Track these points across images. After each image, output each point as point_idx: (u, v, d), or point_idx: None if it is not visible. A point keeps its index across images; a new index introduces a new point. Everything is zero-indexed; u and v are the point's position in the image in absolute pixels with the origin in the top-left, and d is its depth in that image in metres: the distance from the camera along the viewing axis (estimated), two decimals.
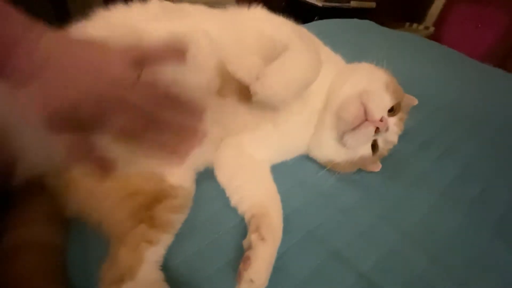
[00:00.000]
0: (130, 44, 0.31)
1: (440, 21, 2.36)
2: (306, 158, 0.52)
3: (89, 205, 0.36)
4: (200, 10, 0.48)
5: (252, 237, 0.37)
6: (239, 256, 0.36)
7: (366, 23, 1.16)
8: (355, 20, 1.17)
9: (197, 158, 0.44)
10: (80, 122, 0.28)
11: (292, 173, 0.49)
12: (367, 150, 0.46)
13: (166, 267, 0.35)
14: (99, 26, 0.42)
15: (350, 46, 0.77)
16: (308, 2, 1.95)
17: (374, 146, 0.47)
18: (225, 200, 0.43)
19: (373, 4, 2.12)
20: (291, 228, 0.41)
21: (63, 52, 0.28)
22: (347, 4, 2.02)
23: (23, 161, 0.35)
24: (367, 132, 0.44)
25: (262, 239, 0.36)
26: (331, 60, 0.52)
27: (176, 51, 0.33)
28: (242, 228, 0.40)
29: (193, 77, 0.39)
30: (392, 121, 0.46)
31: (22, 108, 0.29)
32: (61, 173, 0.36)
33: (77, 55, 0.28)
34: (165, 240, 0.36)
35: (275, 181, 0.46)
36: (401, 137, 0.51)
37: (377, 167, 0.51)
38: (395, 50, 0.94)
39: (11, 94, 0.29)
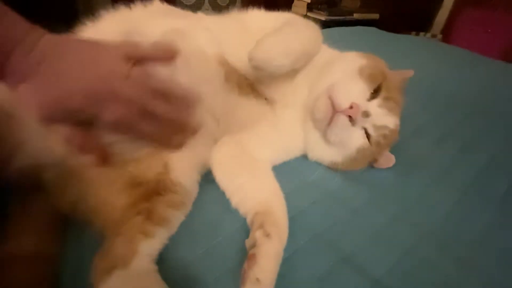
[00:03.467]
0: (122, 42, 0.34)
1: (447, 28, 2.35)
2: (310, 161, 0.49)
3: (89, 194, 0.35)
4: (200, 14, 0.51)
5: (257, 234, 0.34)
6: (239, 264, 0.33)
7: (370, 30, 1.16)
8: (359, 27, 1.17)
9: (198, 156, 0.42)
10: (76, 114, 0.30)
11: (297, 173, 0.46)
12: (359, 140, 0.43)
13: (163, 275, 0.32)
14: (103, 26, 0.44)
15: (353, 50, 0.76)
16: (311, 17, 1.99)
17: (367, 135, 0.43)
18: (225, 204, 0.41)
19: (376, 16, 2.14)
20: (296, 230, 0.37)
21: (58, 52, 0.30)
22: (350, 17, 2.05)
23: (21, 150, 0.35)
24: (342, 123, 0.41)
25: (268, 235, 0.33)
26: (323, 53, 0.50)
27: (165, 51, 0.35)
28: (242, 233, 0.37)
29: (192, 70, 0.40)
30: (374, 103, 0.43)
31: (20, 103, 0.31)
32: (61, 164, 0.36)
33: (72, 54, 0.30)
34: (161, 234, 0.35)
35: (279, 182, 0.43)
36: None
37: (390, 161, 0.46)
38: (402, 51, 0.92)
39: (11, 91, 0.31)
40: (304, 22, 0.46)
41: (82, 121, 0.31)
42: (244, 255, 0.35)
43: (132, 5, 0.48)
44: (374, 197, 0.43)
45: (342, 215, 0.40)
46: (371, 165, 0.48)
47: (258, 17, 0.48)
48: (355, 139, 0.43)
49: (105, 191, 0.36)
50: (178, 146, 0.34)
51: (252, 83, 0.45)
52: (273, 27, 0.42)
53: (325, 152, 0.46)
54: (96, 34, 0.41)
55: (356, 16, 2.07)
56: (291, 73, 0.45)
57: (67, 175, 0.36)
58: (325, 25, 1.93)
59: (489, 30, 2.08)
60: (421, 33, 2.36)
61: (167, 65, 0.35)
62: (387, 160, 0.46)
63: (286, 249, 0.35)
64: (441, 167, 0.49)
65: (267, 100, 0.46)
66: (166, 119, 0.33)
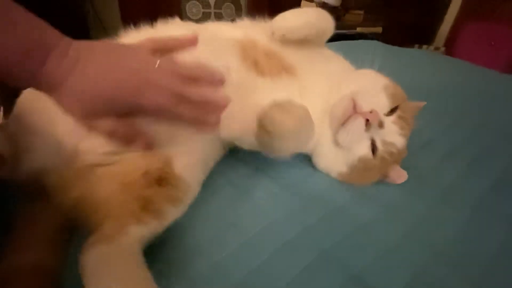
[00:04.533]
0: (145, 39, 0.37)
1: (450, 41, 2.37)
2: (318, 172, 0.49)
3: (92, 192, 0.36)
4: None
5: None
6: (243, 280, 0.32)
7: (373, 43, 1.17)
8: (362, 41, 1.18)
9: (204, 152, 0.43)
10: (118, 106, 0.32)
11: (304, 188, 0.45)
12: (364, 149, 0.44)
13: None
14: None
15: (357, 64, 0.76)
16: None
17: (374, 148, 0.44)
18: (229, 218, 0.40)
19: (379, 29, 2.16)
20: (303, 247, 0.36)
21: (89, 54, 0.32)
22: (353, 30, 2.08)
23: (31, 152, 0.37)
24: (357, 125, 0.43)
25: None
26: (341, 60, 0.54)
27: (186, 38, 0.39)
28: (247, 249, 0.36)
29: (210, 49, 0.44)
30: (390, 119, 0.44)
31: (61, 108, 0.33)
32: (66, 165, 0.37)
33: (102, 55, 0.33)
34: (153, 225, 0.35)
35: (285, 198, 0.43)
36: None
37: (402, 177, 0.46)
38: (406, 65, 0.92)
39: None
40: (319, 9, 0.52)
41: (122, 114, 0.33)
42: (249, 272, 0.33)
43: (153, 23, 0.49)
44: (382, 214, 0.42)
45: (350, 232, 0.39)
46: (382, 180, 0.47)
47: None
48: (361, 147, 0.44)
49: (108, 188, 0.36)
50: (215, 123, 0.36)
51: (272, 52, 0.47)
52: None
53: (330, 158, 0.47)
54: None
55: (359, 29, 2.09)
56: (307, 45, 0.48)
57: (71, 176, 0.37)
58: (328, 38, 1.96)
59: (493, 43, 2.09)
60: (424, 46, 2.38)
61: (190, 50, 0.39)
62: (399, 175, 0.46)
63: (292, 267, 0.34)
64: (450, 183, 0.48)
65: (286, 70, 0.48)
66: (199, 101, 0.35)
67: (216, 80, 0.37)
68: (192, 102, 0.34)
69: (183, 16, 1.88)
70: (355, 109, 0.43)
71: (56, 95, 0.31)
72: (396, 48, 1.16)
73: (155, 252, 0.36)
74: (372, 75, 0.50)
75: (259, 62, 0.45)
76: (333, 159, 0.46)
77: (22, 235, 0.36)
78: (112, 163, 0.38)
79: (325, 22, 0.48)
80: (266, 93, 0.44)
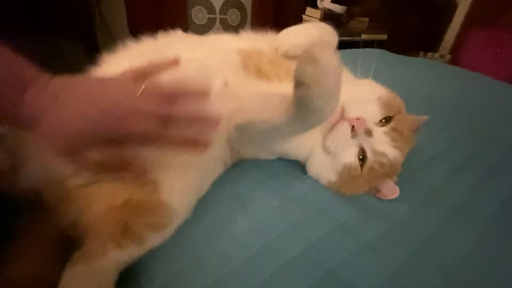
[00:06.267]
0: (125, 69, 0.35)
1: (456, 49, 2.35)
2: (322, 186, 0.47)
3: (83, 212, 0.37)
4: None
5: None
6: None
7: (378, 51, 1.16)
8: (367, 49, 1.17)
9: (198, 173, 0.42)
10: (101, 138, 0.31)
11: (307, 202, 0.44)
12: (350, 157, 0.44)
13: None
14: (126, 55, 0.47)
15: (361, 72, 0.75)
16: None
17: (364, 156, 0.43)
18: (232, 233, 0.39)
19: (384, 36, 2.16)
20: (307, 265, 0.35)
21: (69, 89, 0.31)
22: (358, 37, 2.07)
23: (25, 172, 0.37)
24: (343, 131, 0.43)
25: None
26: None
27: (167, 61, 0.37)
28: (250, 264, 0.36)
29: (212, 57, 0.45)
30: (381, 129, 0.44)
31: (36, 145, 0.33)
32: (60, 185, 0.37)
33: (83, 88, 0.32)
34: (132, 250, 0.36)
35: (289, 212, 0.42)
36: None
37: (393, 192, 0.45)
38: (410, 74, 0.91)
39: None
40: (320, 23, 0.53)
41: (110, 142, 0.32)
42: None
43: (155, 35, 0.50)
44: (389, 231, 0.41)
45: (355, 250, 0.38)
46: (375, 194, 0.46)
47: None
48: (347, 154, 0.44)
49: (94, 208, 0.37)
50: (207, 143, 0.35)
51: (275, 60, 0.48)
52: None
53: (321, 162, 0.46)
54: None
55: (364, 36, 2.09)
56: None
57: (64, 195, 0.37)
58: None
59: (499, 50, 2.07)
60: (430, 53, 2.36)
61: (172, 70, 0.37)
62: (390, 191, 0.45)
63: (298, 286, 0.33)
64: (459, 199, 0.46)
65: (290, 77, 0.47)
66: (190, 118, 0.34)
67: (202, 92, 0.35)
68: (183, 122, 0.34)
69: (188, 22, 1.89)
70: (342, 115, 0.43)
71: (37, 130, 0.30)
72: (401, 57, 1.15)
73: (158, 264, 0.36)
74: (369, 85, 0.50)
75: (263, 69, 0.46)
76: (322, 165, 0.46)
77: (21, 245, 0.36)
78: (97, 183, 0.38)
79: (329, 37, 0.48)
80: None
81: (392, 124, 0.44)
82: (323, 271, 0.35)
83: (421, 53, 2.33)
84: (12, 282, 0.33)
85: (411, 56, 1.21)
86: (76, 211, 0.37)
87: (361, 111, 0.43)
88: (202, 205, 0.42)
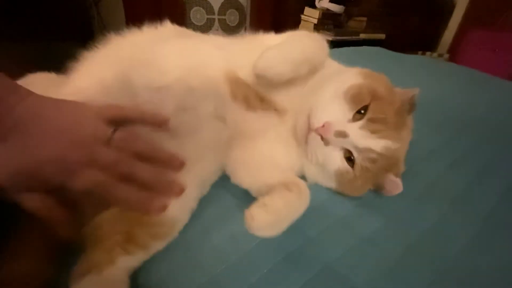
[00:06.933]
0: (105, 104, 0.33)
1: (454, 48, 2.36)
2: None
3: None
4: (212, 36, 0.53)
5: (277, 187, 0.36)
6: None
7: (377, 50, 1.17)
8: (365, 47, 1.17)
9: (198, 181, 0.41)
10: (45, 183, 0.29)
11: None
12: (336, 162, 0.41)
13: None
14: (110, 51, 0.45)
15: None
16: None
17: (352, 158, 0.41)
18: (229, 230, 0.39)
19: (382, 36, 2.16)
20: (305, 260, 0.35)
21: (36, 116, 0.29)
22: (356, 37, 2.08)
23: None
24: (315, 142, 0.41)
25: (288, 189, 0.34)
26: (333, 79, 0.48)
27: (154, 116, 0.35)
28: (246, 261, 0.35)
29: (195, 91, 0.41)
30: (356, 125, 0.40)
31: None
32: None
33: (50, 119, 0.30)
34: (139, 255, 0.35)
35: None
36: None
37: (396, 188, 0.41)
38: (409, 71, 0.92)
39: None
40: (308, 34, 0.48)
41: (50, 187, 0.29)
42: (248, 286, 0.33)
43: (143, 27, 0.49)
44: (387, 226, 0.40)
45: (353, 245, 0.38)
46: (379, 192, 0.45)
47: (268, 36, 0.50)
48: (333, 161, 0.41)
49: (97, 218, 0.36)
50: (161, 209, 0.32)
51: (263, 96, 0.45)
52: (280, 42, 0.44)
53: (316, 174, 0.45)
54: (92, 76, 0.42)
55: (362, 36, 2.09)
56: (300, 82, 0.45)
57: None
58: (332, 45, 1.97)
59: (496, 50, 2.08)
60: (428, 53, 2.37)
61: (155, 130, 0.35)
62: (393, 186, 0.42)
63: (293, 281, 0.33)
64: (457, 194, 0.46)
65: (278, 112, 0.46)
66: (149, 182, 0.32)
67: (175, 164, 0.34)
68: (139, 182, 0.31)
69: (187, 22, 1.90)
70: (309, 127, 0.41)
71: None
72: (399, 54, 1.15)
73: (155, 262, 0.36)
74: (340, 78, 0.45)
75: (250, 98, 0.43)
76: (317, 176, 0.45)
77: (19, 244, 0.35)
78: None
79: (318, 55, 0.45)
80: (262, 134, 0.44)
81: (368, 114, 0.40)
82: (320, 266, 0.35)
83: (419, 52, 2.34)
84: (9, 280, 0.32)
85: (409, 55, 1.22)
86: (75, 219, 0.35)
87: (326, 115, 0.41)
88: (199, 203, 0.42)
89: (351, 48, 1.14)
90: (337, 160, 0.41)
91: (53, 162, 0.28)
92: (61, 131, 0.29)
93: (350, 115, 0.41)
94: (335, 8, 2.01)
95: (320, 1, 2.02)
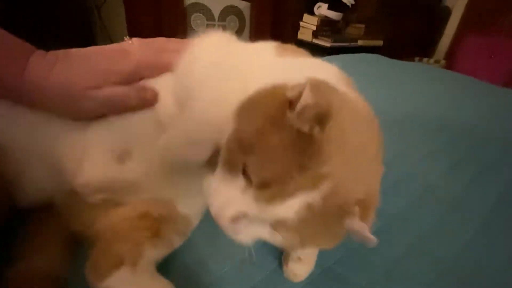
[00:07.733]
0: None
1: (451, 54, 2.39)
2: None
3: (96, 221, 0.36)
4: None
5: None
6: None
7: (374, 57, 1.19)
8: (363, 54, 1.20)
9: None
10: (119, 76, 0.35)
11: None
12: (273, 239, 0.28)
13: None
14: None
15: (357, 77, 0.77)
16: (316, 43, 2.05)
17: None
18: None
19: (380, 42, 2.20)
20: None
21: (66, 52, 0.34)
22: (354, 43, 2.11)
23: (23, 185, 0.36)
24: (229, 232, 0.33)
25: None
26: None
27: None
28: (249, 264, 0.36)
29: None
30: (250, 195, 0.26)
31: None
32: (67, 195, 0.37)
33: (78, 54, 0.35)
34: (164, 249, 0.37)
35: None
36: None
37: (363, 236, 0.25)
38: (406, 78, 0.93)
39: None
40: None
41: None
42: (251, 286, 0.33)
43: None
44: (386, 227, 0.41)
45: (351, 248, 0.39)
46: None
47: None
48: (267, 239, 0.28)
49: (113, 218, 0.36)
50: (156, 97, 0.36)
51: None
52: None
53: None
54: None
55: (360, 42, 2.13)
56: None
57: (73, 204, 0.37)
58: (330, 51, 2.00)
59: (493, 56, 2.11)
60: (425, 59, 2.40)
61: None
62: (359, 235, 0.25)
63: (295, 284, 0.34)
64: (456, 195, 0.47)
65: None
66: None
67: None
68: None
69: (187, 28, 1.92)
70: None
71: (41, 97, 0.32)
72: (396, 61, 1.17)
73: (161, 264, 0.36)
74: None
75: None
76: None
77: (34, 241, 0.36)
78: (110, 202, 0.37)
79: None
80: None
81: (252, 178, 0.25)
82: (321, 268, 0.36)
83: (416, 58, 2.37)
84: (24, 276, 0.33)
85: (406, 61, 1.24)
86: (88, 219, 0.37)
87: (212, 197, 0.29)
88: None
89: (348, 55, 1.16)
90: (269, 237, 0.28)
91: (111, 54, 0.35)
92: (93, 55, 0.35)
93: (237, 182, 0.26)
94: (334, 15, 2.05)
95: (319, 8, 2.06)
